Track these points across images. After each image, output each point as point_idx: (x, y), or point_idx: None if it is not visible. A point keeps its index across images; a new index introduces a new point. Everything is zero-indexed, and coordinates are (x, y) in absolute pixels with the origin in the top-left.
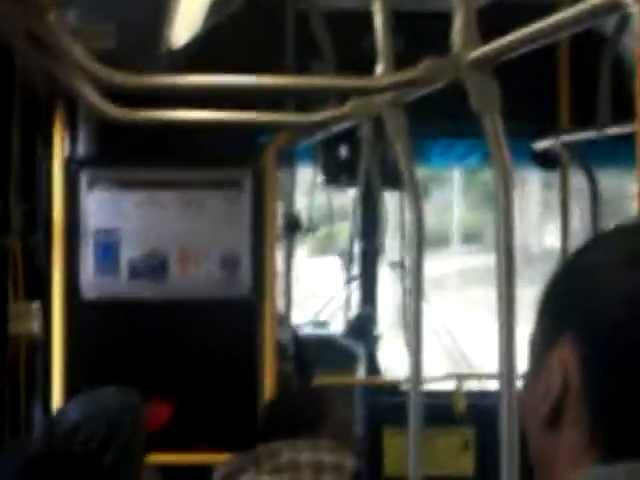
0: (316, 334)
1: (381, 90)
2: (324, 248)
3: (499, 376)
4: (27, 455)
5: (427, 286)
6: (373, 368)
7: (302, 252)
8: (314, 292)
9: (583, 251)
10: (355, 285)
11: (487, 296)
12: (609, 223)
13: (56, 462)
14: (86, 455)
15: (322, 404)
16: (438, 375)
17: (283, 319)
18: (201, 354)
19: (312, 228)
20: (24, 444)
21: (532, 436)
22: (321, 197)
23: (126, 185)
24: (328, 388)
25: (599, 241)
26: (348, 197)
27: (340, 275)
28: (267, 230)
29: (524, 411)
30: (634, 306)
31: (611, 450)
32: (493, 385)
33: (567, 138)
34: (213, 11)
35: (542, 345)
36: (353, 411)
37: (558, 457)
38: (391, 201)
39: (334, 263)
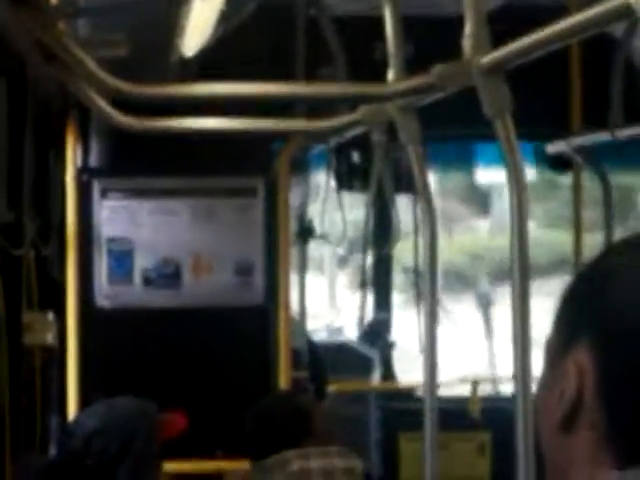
0: (330, 340)
1: (392, 97)
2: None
3: (514, 379)
4: (41, 465)
5: None
6: (388, 373)
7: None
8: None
9: (600, 258)
10: (369, 291)
11: None
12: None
13: (70, 472)
14: (100, 465)
15: (306, 410)
16: (453, 379)
17: (297, 326)
18: (215, 361)
19: (325, 235)
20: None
21: (546, 440)
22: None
23: (139, 194)
24: (305, 396)
25: (616, 248)
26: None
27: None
28: (280, 237)
29: (538, 414)
30: None
31: (626, 455)
32: (508, 389)
33: (579, 141)
34: (224, 19)
35: (558, 349)
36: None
37: (572, 461)
38: (404, 206)
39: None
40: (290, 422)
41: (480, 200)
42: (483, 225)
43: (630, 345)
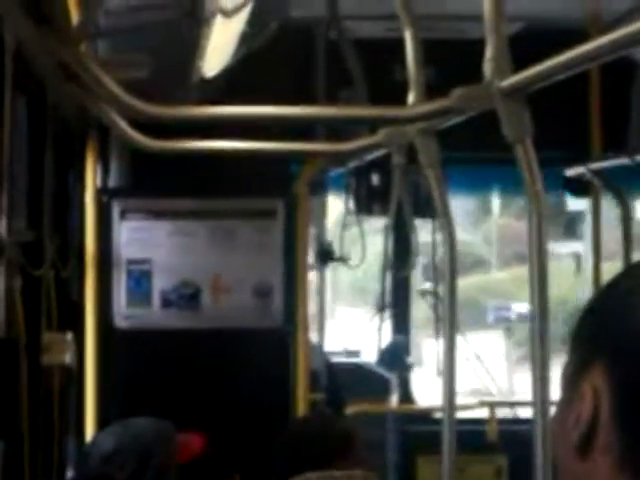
0: (349, 362)
1: (413, 120)
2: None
3: (532, 403)
4: None
5: None
6: (406, 396)
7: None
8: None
9: (615, 281)
10: (387, 314)
11: None
12: None
13: None
14: None
15: (344, 433)
16: (471, 402)
17: (316, 348)
18: (233, 384)
19: (344, 258)
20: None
21: (563, 463)
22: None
23: (158, 215)
24: (345, 417)
25: (631, 271)
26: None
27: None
28: (299, 259)
29: (555, 438)
30: None
31: None
32: (526, 413)
33: (598, 165)
34: (244, 41)
35: (574, 372)
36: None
37: None
38: (423, 229)
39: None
40: (323, 444)
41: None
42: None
43: None
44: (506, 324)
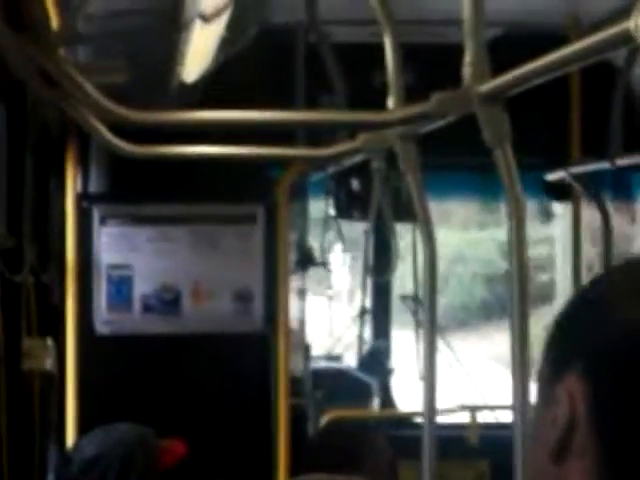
0: (330, 367)
1: (392, 124)
2: None
3: (513, 408)
4: None
5: None
6: (387, 401)
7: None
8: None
9: (592, 285)
10: (368, 318)
11: None
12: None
13: None
14: None
15: (363, 442)
16: (452, 407)
17: (297, 353)
18: (215, 389)
19: (325, 262)
20: None
21: (537, 467)
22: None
23: (138, 221)
24: (369, 427)
25: (608, 275)
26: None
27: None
28: (280, 264)
29: (531, 442)
30: None
31: None
32: (507, 417)
33: (578, 169)
34: (224, 46)
35: (550, 376)
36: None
37: None
38: (403, 234)
39: None
40: (344, 446)
41: None
42: None
43: (620, 372)
44: None
